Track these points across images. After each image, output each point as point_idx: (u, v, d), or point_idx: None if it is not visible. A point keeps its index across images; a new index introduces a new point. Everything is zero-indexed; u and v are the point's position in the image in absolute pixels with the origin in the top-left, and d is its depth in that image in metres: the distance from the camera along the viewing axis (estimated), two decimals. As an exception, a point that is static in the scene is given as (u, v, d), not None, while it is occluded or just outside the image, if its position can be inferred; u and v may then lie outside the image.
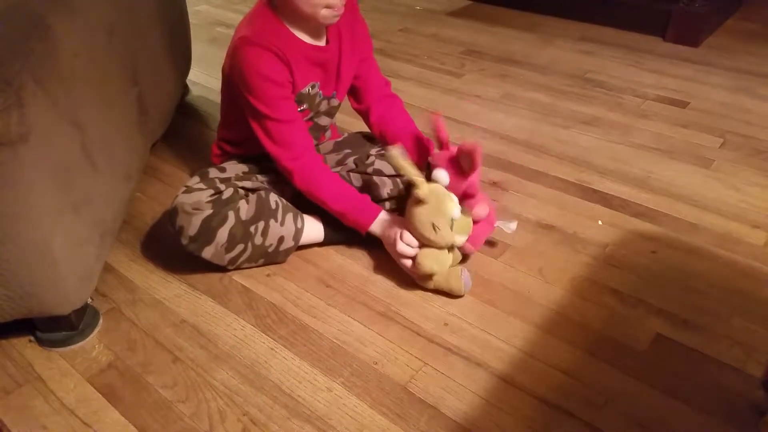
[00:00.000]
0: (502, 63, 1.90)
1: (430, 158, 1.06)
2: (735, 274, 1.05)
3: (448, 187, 0.99)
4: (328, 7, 0.95)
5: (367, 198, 1.06)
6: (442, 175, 0.99)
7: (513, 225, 1.06)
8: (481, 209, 1.01)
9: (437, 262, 0.97)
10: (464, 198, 1.03)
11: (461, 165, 0.99)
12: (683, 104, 1.62)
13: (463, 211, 0.97)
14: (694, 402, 0.83)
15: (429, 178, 1.00)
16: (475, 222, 1.01)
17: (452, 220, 0.96)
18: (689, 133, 1.49)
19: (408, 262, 1.00)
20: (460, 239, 0.98)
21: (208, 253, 1.00)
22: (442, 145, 1.04)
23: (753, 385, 0.84)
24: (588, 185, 1.29)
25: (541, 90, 1.72)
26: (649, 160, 1.38)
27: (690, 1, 1.96)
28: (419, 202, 0.96)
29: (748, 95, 1.67)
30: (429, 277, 0.99)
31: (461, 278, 0.98)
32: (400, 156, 0.94)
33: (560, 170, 1.33)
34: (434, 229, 0.95)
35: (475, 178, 1.02)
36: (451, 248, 1.00)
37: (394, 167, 0.95)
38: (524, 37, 2.10)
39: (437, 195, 0.96)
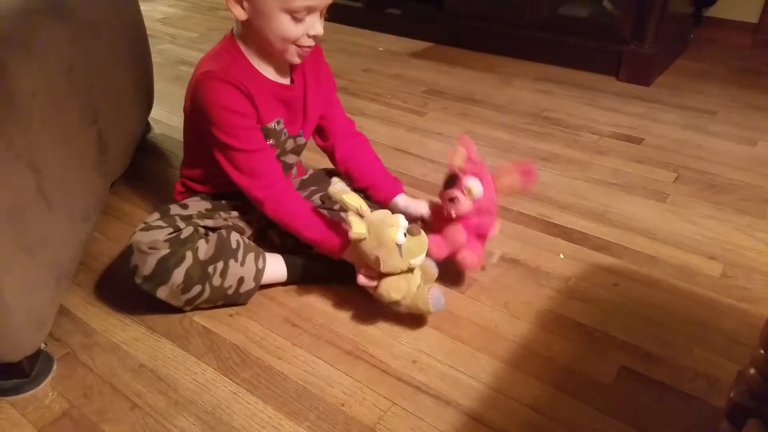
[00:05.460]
0: (463, 102, 1.94)
1: (459, 167, 1.04)
2: (695, 306, 1.07)
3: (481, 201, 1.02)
4: (298, 45, 0.97)
5: (339, 225, 1.06)
6: (475, 183, 1.01)
7: (495, 258, 1.12)
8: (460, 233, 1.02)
9: (397, 290, 0.95)
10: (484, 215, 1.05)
11: (502, 183, 1.04)
12: (638, 140, 1.68)
13: (410, 231, 0.94)
14: (661, 434, 0.83)
15: (448, 186, 1.01)
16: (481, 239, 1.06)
17: (398, 246, 0.93)
18: (644, 168, 1.54)
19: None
20: (415, 261, 0.95)
21: (162, 293, 0.97)
22: (469, 161, 1.04)
23: (717, 415, 0.84)
24: (549, 219, 1.32)
25: (502, 128, 1.76)
26: (607, 195, 1.41)
27: (640, 42, 2.05)
28: (358, 240, 0.94)
29: (698, 131, 1.74)
30: (396, 303, 0.98)
31: (428, 299, 0.96)
32: (341, 191, 0.95)
33: (522, 205, 1.36)
34: (380, 262, 0.93)
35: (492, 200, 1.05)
36: (411, 270, 0.97)
37: (338, 202, 0.96)
38: (483, 77, 2.16)
39: (375, 227, 0.93)
